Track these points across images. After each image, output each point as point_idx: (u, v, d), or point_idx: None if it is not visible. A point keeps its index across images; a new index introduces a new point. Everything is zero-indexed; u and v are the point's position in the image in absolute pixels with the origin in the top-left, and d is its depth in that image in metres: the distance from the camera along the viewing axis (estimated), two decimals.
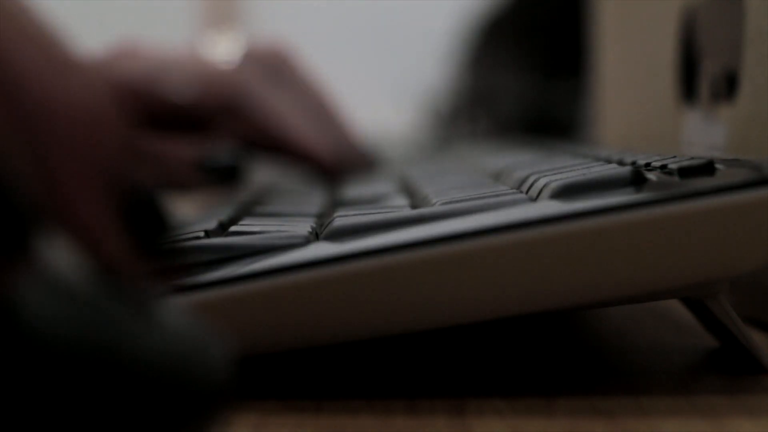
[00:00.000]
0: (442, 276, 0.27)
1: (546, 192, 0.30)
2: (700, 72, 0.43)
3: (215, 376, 0.20)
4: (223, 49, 0.54)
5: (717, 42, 0.42)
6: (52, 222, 0.19)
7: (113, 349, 0.18)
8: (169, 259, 0.21)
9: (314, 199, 0.42)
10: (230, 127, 0.53)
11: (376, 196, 0.39)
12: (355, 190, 0.43)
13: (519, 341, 0.35)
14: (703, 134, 0.42)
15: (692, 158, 0.31)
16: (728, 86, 0.40)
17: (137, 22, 1.92)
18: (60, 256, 0.19)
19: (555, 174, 0.32)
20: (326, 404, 0.28)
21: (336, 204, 0.39)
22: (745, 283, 0.36)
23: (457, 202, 0.31)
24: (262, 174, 0.59)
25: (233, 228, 0.32)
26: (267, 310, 0.28)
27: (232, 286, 0.28)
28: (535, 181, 0.32)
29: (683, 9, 0.45)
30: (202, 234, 0.31)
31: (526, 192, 0.32)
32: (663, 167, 0.31)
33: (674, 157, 0.32)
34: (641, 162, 0.33)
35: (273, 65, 0.54)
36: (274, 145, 0.53)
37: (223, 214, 0.37)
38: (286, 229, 0.31)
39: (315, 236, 0.31)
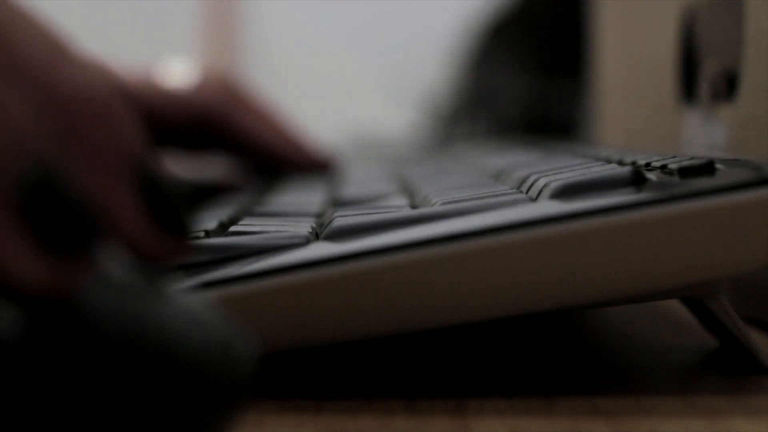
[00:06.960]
0: (442, 276, 0.27)
1: (546, 192, 0.30)
2: (700, 72, 0.43)
3: (239, 370, 0.20)
4: (177, 74, 0.52)
5: (717, 42, 0.42)
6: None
7: (156, 342, 0.19)
8: (185, 241, 0.21)
9: (314, 199, 0.42)
10: (219, 139, 0.52)
11: (376, 196, 0.39)
12: (355, 189, 0.43)
13: (519, 341, 0.35)
14: (703, 134, 0.42)
15: (692, 158, 0.31)
16: (728, 86, 0.40)
17: (136, 21, 1.92)
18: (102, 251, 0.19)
19: (555, 174, 0.32)
20: (326, 404, 0.28)
21: (336, 204, 0.39)
22: (745, 283, 0.36)
23: (457, 202, 0.31)
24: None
25: (233, 228, 0.32)
26: (267, 310, 0.28)
27: (232, 286, 0.28)
28: (535, 181, 0.32)
29: (683, 9, 0.45)
30: (202, 234, 0.31)
31: (526, 192, 0.32)
32: (663, 167, 0.31)
33: (674, 157, 0.32)
34: (641, 162, 0.33)
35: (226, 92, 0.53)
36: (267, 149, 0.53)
37: (223, 214, 0.37)
38: (286, 229, 0.31)
39: (315, 236, 0.31)
